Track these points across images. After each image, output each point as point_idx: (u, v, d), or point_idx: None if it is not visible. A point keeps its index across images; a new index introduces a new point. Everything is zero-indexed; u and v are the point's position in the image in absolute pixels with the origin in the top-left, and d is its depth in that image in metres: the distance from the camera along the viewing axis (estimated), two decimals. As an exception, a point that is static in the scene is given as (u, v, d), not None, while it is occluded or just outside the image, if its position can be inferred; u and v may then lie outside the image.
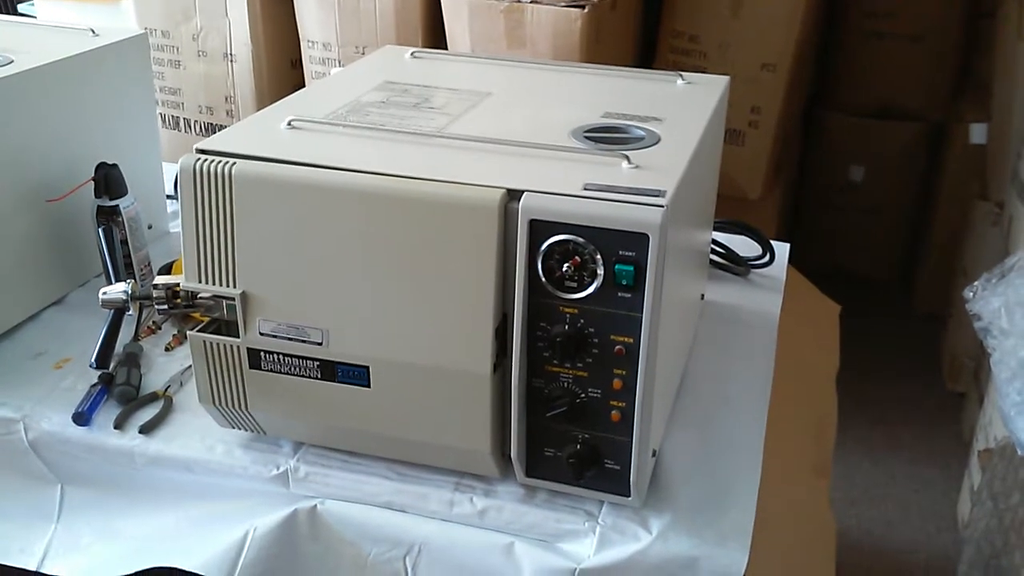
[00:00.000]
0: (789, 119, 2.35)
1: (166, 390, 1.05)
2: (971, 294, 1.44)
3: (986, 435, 1.83)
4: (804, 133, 2.78)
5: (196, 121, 2.22)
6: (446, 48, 1.97)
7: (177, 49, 2.16)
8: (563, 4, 1.80)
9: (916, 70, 2.68)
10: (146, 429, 0.99)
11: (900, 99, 2.72)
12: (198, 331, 0.89)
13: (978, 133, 2.45)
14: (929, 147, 2.74)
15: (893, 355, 2.58)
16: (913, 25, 2.63)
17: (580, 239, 0.77)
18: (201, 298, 0.88)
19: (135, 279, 1.17)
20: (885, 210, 2.84)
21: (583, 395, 0.83)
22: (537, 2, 1.82)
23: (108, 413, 1.01)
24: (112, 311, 1.06)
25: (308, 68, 2.14)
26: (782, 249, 1.37)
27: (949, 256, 2.55)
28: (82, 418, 0.99)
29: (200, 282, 0.87)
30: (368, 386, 0.87)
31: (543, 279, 0.80)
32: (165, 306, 0.89)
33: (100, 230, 1.15)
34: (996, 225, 2.24)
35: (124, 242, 1.18)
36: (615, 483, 0.86)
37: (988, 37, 2.50)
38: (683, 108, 1.03)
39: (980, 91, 2.52)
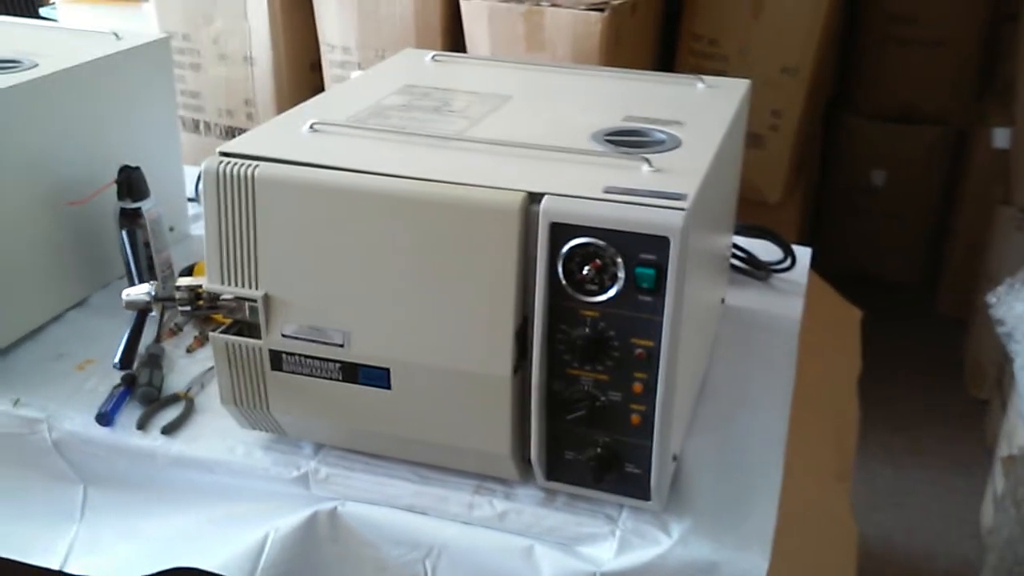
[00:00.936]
0: (810, 123, 2.34)
1: (188, 391, 1.05)
2: (994, 299, 1.43)
3: (1009, 442, 1.82)
4: (825, 137, 2.76)
5: (216, 124, 2.24)
6: (465, 51, 1.98)
7: (198, 52, 2.17)
8: (583, 7, 1.80)
9: (938, 74, 2.66)
10: (168, 430, 0.99)
11: (922, 103, 2.71)
12: (220, 333, 0.90)
13: (1001, 137, 2.43)
14: (952, 151, 2.72)
15: (916, 360, 2.57)
16: (935, 28, 2.62)
17: (601, 242, 0.77)
18: (223, 300, 0.88)
19: (157, 281, 1.18)
20: (908, 214, 2.82)
21: (603, 398, 0.83)
22: (557, 5, 1.82)
23: (131, 414, 1.02)
24: (135, 313, 1.07)
25: (328, 71, 2.15)
26: (803, 253, 1.36)
27: (973, 261, 2.53)
28: (105, 419, 1.00)
29: (222, 284, 0.88)
30: (389, 388, 0.87)
31: (563, 282, 0.80)
32: (187, 307, 0.89)
33: (122, 232, 1.16)
34: (1020, 230, 2.22)
35: (146, 244, 1.18)
36: (635, 487, 0.86)
37: (1011, 40, 2.48)
38: (704, 111, 1.02)
39: (1003, 95, 2.50)
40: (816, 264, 1.37)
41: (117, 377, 1.06)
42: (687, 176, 0.83)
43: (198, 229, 1.37)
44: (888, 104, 2.74)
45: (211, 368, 1.06)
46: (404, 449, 0.93)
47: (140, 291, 0.94)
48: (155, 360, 1.08)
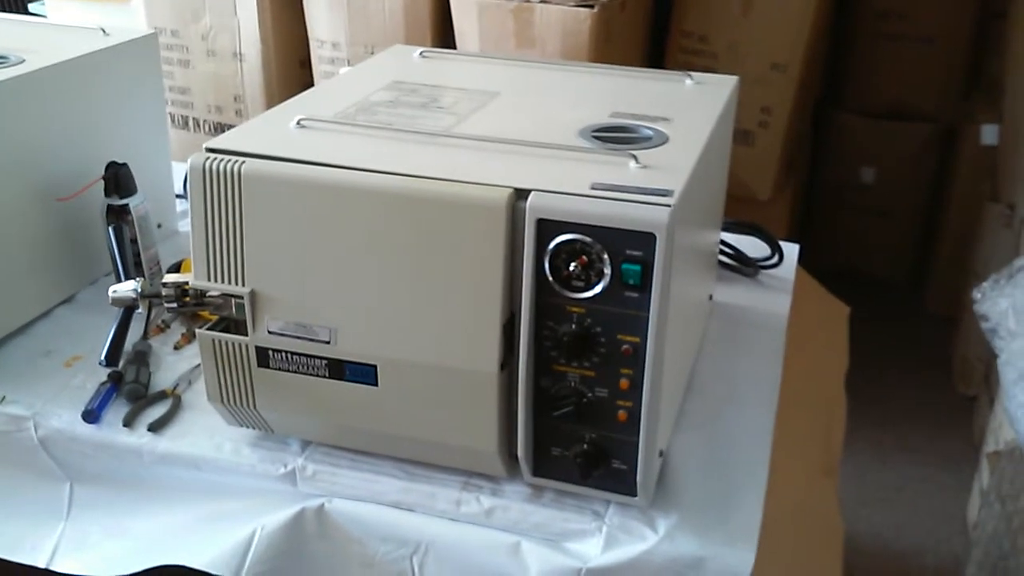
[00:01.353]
0: (799, 119, 2.34)
1: (175, 388, 1.05)
2: (979, 295, 1.44)
3: (995, 438, 1.82)
4: (815, 134, 2.77)
5: (205, 120, 2.23)
6: (455, 47, 1.97)
7: (186, 48, 2.17)
8: (572, 4, 1.80)
9: (927, 71, 2.67)
10: (155, 427, 0.99)
11: (911, 100, 2.72)
12: (207, 329, 0.89)
13: (989, 134, 2.44)
14: (940, 148, 2.73)
15: (904, 357, 2.58)
16: (924, 26, 2.63)
17: (587, 238, 0.77)
18: (210, 296, 0.88)
19: (144, 277, 1.18)
20: (896, 211, 2.83)
21: (590, 395, 0.83)
22: (546, 2, 1.82)
23: (117, 411, 1.01)
24: (122, 309, 1.07)
25: (317, 67, 2.14)
26: (791, 250, 1.37)
27: (960, 258, 2.54)
28: (91, 416, 1.00)
29: (209, 280, 0.87)
30: (376, 385, 0.87)
31: (550, 278, 0.80)
32: (174, 304, 0.89)
33: (110, 229, 1.16)
34: (1007, 227, 2.23)
35: (134, 241, 1.18)
36: (622, 483, 0.86)
37: (999, 38, 2.49)
38: (692, 108, 1.02)
39: (992, 92, 2.51)
40: (805, 261, 1.38)
41: (104, 374, 1.05)
42: (674, 172, 0.83)
43: (186, 225, 1.36)
44: (878, 101, 2.74)
45: (198, 365, 1.05)
46: (391, 446, 0.93)
47: (126, 288, 0.94)
48: (142, 357, 1.08)
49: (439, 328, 0.83)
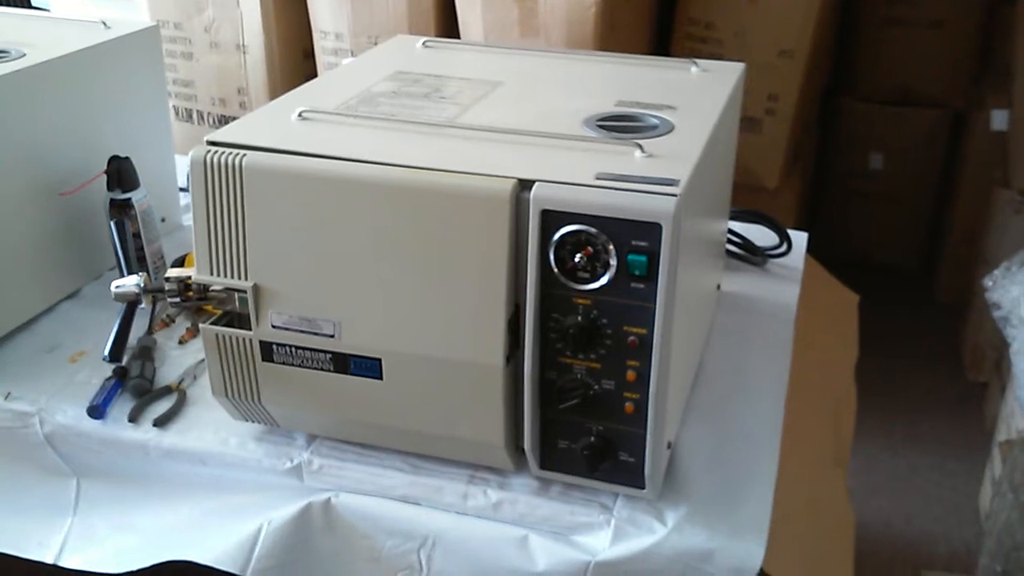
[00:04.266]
0: (807, 106, 2.33)
1: (180, 383, 1.05)
2: (990, 283, 1.42)
3: (1008, 426, 1.81)
4: (822, 120, 2.75)
5: (209, 113, 2.23)
6: (458, 37, 1.96)
7: (189, 41, 2.16)
8: (577, -8, 1.78)
9: (936, 56, 2.65)
10: (160, 422, 0.99)
11: (920, 86, 2.70)
12: (210, 324, 0.89)
13: (999, 120, 2.42)
14: (950, 134, 2.71)
15: (914, 345, 2.56)
16: (933, 11, 2.61)
17: (592, 229, 0.77)
18: (213, 291, 0.88)
19: (148, 272, 1.18)
20: (905, 198, 2.81)
21: (596, 387, 0.82)
22: (551, -10, 1.80)
23: (122, 406, 1.01)
24: (125, 304, 1.06)
25: (320, 59, 2.14)
26: (799, 238, 1.35)
27: (971, 245, 2.52)
28: (97, 411, 0.99)
29: (212, 275, 0.87)
30: (381, 378, 0.86)
31: (555, 270, 0.79)
32: (177, 299, 0.89)
33: (113, 223, 1.15)
34: (1018, 213, 2.21)
35: (137, 235, 1.18)
36: (630, 475, 0.85)
37: (1009, 23, 2.47)
38: (697, 96, 1.01)
39: (1001, 77, 2.49)
40: (814, 249, 1.37)
41: (109, 369, 1.05)
42: (680, 161, 0.82)
43: (190, 220, 1.36)
44: (886, 87, 2.72)
45: (203, 360, 1.05)
46: (397, 439, 0.93)
47: (129, 283, 0.94)
48: (147, 352, 1.08)
49: (444, 321, 0.83)
